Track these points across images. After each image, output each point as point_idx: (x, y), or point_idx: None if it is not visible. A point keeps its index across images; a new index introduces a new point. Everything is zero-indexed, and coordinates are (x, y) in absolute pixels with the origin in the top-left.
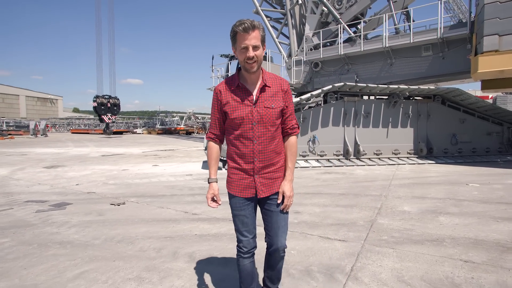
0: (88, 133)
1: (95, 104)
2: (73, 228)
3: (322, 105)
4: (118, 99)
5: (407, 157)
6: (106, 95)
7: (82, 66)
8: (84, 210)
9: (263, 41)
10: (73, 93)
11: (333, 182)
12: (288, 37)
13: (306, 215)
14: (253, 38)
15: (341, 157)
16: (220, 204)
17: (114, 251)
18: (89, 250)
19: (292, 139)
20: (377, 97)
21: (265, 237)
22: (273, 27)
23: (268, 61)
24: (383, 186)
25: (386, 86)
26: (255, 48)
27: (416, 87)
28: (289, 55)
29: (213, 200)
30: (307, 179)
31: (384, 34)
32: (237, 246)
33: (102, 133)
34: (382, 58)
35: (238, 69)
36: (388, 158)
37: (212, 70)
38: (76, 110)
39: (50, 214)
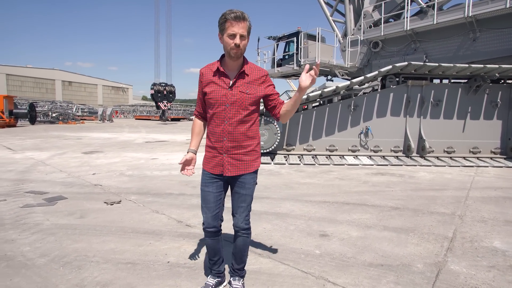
0: (149, 119)
1: (152, 91)
2: (34, 235)
3: (379, 90)
4: (173, 86)
5: (491, 158)
6: (162, 83)
7: (152, 56)
8: (70, 209)
9: (249, 32)
10: (143, 82)
11: (386, 187)
12: (343, 15)
13: (336, 241)
14: (242, 28)
15: (400, 154)
16: (193, 173)
17: (45, 281)
18: (17, 277)
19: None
20: (452, 80)
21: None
22: (327, 4)
23: (319, 41)
24: (457, 199)
25: (466, 65)
26: (241, 37)
27: (511, 66)
28: (345, 35)
29: (186, 166)
30: (352, 182)
31: (467, 1)
32: (202, 222)
33: (158, 120)
34: (461, 32)
35: (222, 55)
36: (464, 158)
37: (258, 53)
38: (144, 98)
39: (32, 211)
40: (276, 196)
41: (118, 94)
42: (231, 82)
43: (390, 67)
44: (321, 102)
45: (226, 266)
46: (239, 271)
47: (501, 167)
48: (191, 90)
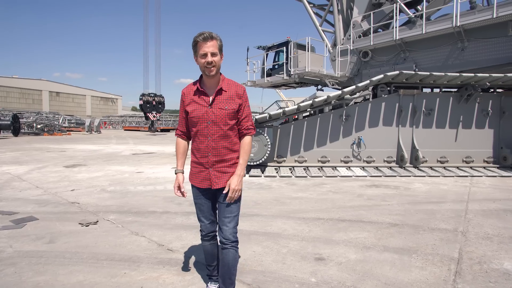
0: (138, 130)
1: (141, 102)
2: None
3: (371, 99)
4: (162, 97)
5: (484, 167)
6: (151, 93)
7: (142, 67)
8: (40, 232)
9: (220, 49)
10: (133, 93)
11: (382, 201)
12: (333, 25)
13: (333, 266)
14: (211, 46)
15: (393, 164)
16: (185, 197)
17: None
18: None
19: (246, 138)
20: (443, 89)
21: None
22: (316, 14)
23: (308, 51)
24: (457, 213)
25: (457, 74)
26: (213, 54)
27: (502, 75)
28: (334, 45)
29: (179, 189)
30: (346, 195)
31: (455, 11)
32: (200, 230)
33: (147, 131)
34: (450, 42)
35: (201, 75)
36: (457, 167)
37: (247, 63)
38: (134, 108)
39: None
40: (267, 213)
41: (107, 105)
42: (210, 100)
43: (381, 76)
44: (312, 112)
45: None
46: None
47: (495, 176)
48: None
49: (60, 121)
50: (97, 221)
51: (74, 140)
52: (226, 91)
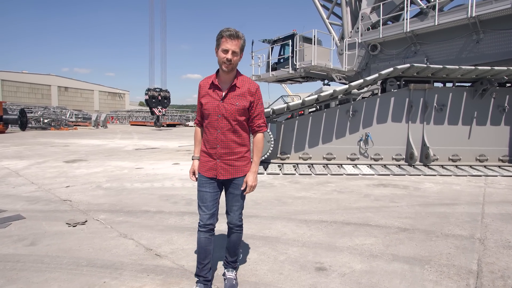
0: (144, 125)
1: (147, 97)
2: None
3: (379, 94)
4: (168, 92)
5: (499, 166)
6: (157, 88)
7: (148, 62)
8: (23, 232)
9: (242, 49)
10: (140, 88)
11: (390, 202)
12: (340, 17)
13: (336, 277)
14: (234, 45)
15: (402, 162)
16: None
17: None
18: None
19: (259, 136)
20: (457, 84)
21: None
22: (323, 6)
23: (315, 44)
24: (473, 217)
25: (472, 68)
26: (233, 53)
27: None
28: (342, 38)
29: (194, 174)
30: (352, 195)
31: (470, 0)
32: (198, 221)
33: (153, 125)
34: (464, 34)
35: (217, 70)
36: (470, 166)
37: (252, 56)
38: (141, 103)
39: None
40: (266, 214)
41: (114, 100)
42: (223, 94)
43: (391, 69)
44: (318, 107)
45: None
46: (232, 263)
47: (511, 176)
48: (188, 96)
49: (67, 116)
50: (86, 221)
51: (79, 134)
52: (239, 88)
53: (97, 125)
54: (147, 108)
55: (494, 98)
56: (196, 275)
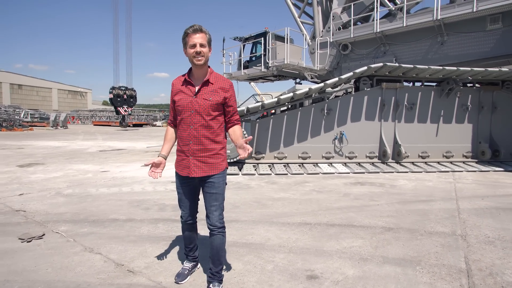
0: (109, 125)
1: (111, 95)
2: None
3: (353, 93)
4: (134, 90)
5: (463, 162)
6: (122, 87)
7: (113, 59)
8: None
9: (209, 43)
10: (104, 86)
11: (370, 201)
12: (311, 17)
13: (330, 286)
14: (200, 38)
15: (375, 160)
16: (160, 176)
17: None
18: None
19: (236, 126)
20: (425, 84)
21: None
22: (294, 5)
23: (287, 42)
24: (450, 213)
25: (440, 68)
26: (201, 45)
27: (483, 69)
28: (313, 37)
29: (155, 167)
30: (332, 194)
31: (435, 4)
32: (180, 216)
33: (119, 126)
34: (430, 36)
35: (190, 68)
36: (438, 162)
37: (223, 54)
38: (105, 102)
39: None
40: (247, 219)
41: (75, 99)
42: (196, 90)
43: (365, 68)
44: (289, 106)
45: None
46: (218, 275)
47: (475, 171)
48: (154, 95)
49: (22, 116)
50: (43, 235)
51: (36, 136)
52: (212, 84)
53: (56, 125)
54: (112, 108)
55: (458, 97)
56: (185, 254)
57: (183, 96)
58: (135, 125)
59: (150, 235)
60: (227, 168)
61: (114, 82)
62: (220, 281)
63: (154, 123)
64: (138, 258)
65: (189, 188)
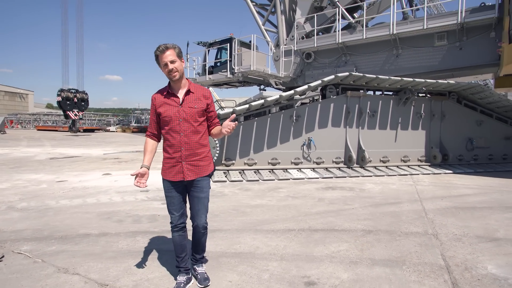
0: (55, 130)
1: (59, 98)
2: None
3: (320, 100)
4: (86, 93)
5: (418, 165)
6: (72, 89)
7: (60, 59)
8: None
9: (179, 56)
10: (48, 88)
11: (344, 205)
12: (275, 26)
13: None
14: (169, 55)
15: (341, 165)
16: (146, 186)
17: None
18: None
19: (217, 126)
20: (385, 92)
21: (190, 215)
22: (259, 13)
23: (253, 49)
24: (418, 214)
25: (399, 78)
26: (172, 62)
27: (434, 81)
28: (277, 45)
29: (140, 177)
30: (307, 199)
31: (391, 19)
32: (170, 222)
33: (68, 131)
34: (386, 48)
35: (169, 82)
36: (397, 166)
37: (187, 59)
38: (49, 106)
39: None
40: (230, 227)
41: (14, 101)
42: (180, 100)
43: (332, 77)
44: (251, 115)
45: None
46: (201, 259)
47: (429, 174)
48: (106, 98)
49: None
50: (2, 257)
51: None
52: (193, 93)
53: None
54: (59, 111)
55: (413, 106)
56: (177, 267)
57: (168, 107)
58: (85, 130)
59: (130, 249)
60: (214, 170)
61: (63, 84)
62: (203, 263)
63: (108, 128)
64: (123, 276)
65: (179, 190)
